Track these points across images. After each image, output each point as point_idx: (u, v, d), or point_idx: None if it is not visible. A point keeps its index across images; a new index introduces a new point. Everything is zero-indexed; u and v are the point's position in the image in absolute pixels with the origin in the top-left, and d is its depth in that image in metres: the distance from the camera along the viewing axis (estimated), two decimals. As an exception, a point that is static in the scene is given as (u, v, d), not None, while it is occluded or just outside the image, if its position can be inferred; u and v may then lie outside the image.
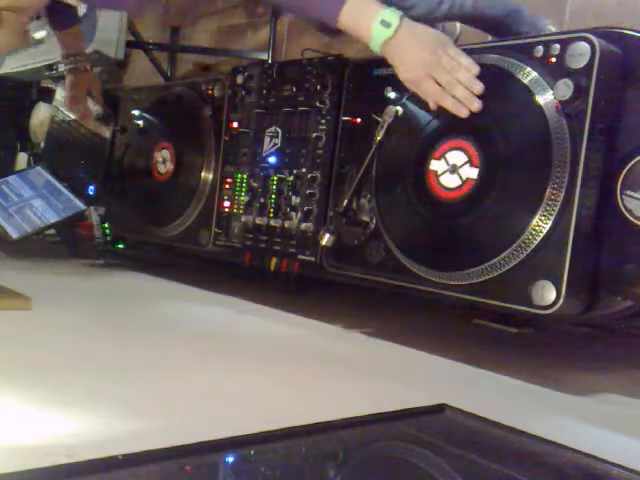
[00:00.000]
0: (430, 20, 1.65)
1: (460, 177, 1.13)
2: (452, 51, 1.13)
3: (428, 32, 1.16)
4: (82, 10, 2.13)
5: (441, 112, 1.16)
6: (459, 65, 1.12)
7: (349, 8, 1.15)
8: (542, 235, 1.02)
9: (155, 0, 1.33)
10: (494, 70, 1.12)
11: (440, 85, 1.13)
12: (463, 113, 1.12)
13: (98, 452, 0.67)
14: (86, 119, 2.05)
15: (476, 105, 1.11)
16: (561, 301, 1.00)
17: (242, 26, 3.03)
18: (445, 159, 1.15)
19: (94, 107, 1.99)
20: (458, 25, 2.07)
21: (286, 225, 1.46)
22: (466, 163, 1.12)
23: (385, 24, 1.13)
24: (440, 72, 1.12)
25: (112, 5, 1.61)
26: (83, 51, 1.98)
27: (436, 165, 1.16)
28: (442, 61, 1.12)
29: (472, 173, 1.11)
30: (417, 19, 1.25)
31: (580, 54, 1.02)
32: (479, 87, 1.11)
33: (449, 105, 1.13)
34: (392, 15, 1.14)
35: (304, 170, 1.44)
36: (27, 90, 2.77)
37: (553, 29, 1.91)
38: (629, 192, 1.01)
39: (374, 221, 1.28)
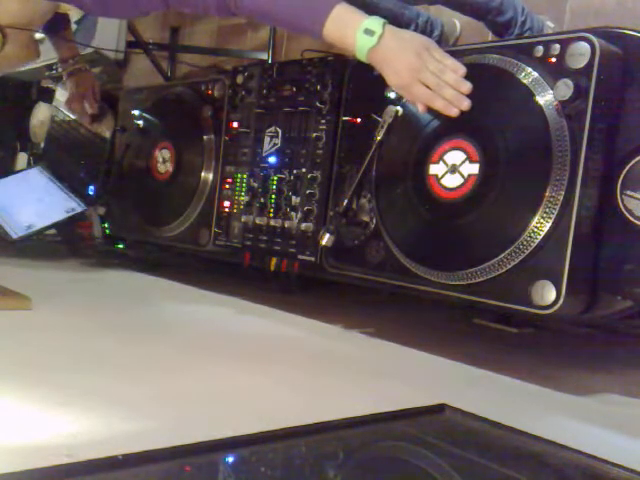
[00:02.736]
0: None
1: (461, 175, 1.12)
2: (437, 54, 1.14)
3: (412, 37, 1.17)
4: (76, 15, 2.13)
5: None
6: (445, 67, 1.13)
7: (332, 21, 1.15)
8: (542, 235, 1.02)
9: (156, 10, 1.32)
10: (494, 70, 1.12)
11: (429, 88, 1.13)
12: (454, 113, 1.13)
13: (98, 452, 0.67)
14: (87, 117, 2.06)
15: (466, 104, 1.12)
16: (561, 301, 1.00)
17: (242, 26, 3.03)
18: (443, 161, 1.15)
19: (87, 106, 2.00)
20: (458, 25, 2.08)
21: (286, 225, 1.46)
22: (465, 160, 1.12)
23: (369, 32, 1.14)
24: (428, 75, 1.13)
25: (114, 15, 1.62)
26: (78, 52, 1.99)
27: (436, 169, 1.16)
28: (429, 64, 1.13)
29: (473, 168, 1.11)
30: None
31: (580, 54, 1.02)
32: (467, 87, 1.12)
33: (439, 106, 1.14)
34: (375, 23, 1.14)
35: (304, 170, 1.44)
36: (27, 90, 2.77)
37: (551, 25, 1.92)
38: (629, 192, 1.01)
39: (374, 221, 1.28)
